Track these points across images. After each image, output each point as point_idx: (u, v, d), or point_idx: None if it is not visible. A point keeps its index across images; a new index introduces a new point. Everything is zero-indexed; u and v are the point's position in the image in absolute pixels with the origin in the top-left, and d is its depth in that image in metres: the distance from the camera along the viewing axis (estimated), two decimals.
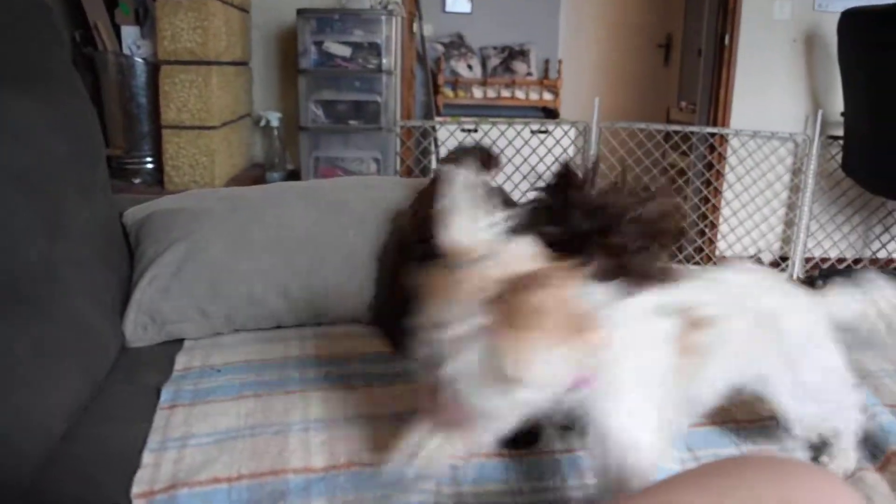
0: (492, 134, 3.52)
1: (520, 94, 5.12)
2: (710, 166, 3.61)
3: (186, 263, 1.29)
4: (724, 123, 3.57)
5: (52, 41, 1.38)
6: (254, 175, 3.14)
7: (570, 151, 3.78)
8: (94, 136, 1.40)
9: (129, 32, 2.82)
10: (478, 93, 5.08)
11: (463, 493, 0.88)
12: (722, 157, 3.57)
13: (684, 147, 3.60)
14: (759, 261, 3.62)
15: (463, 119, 3.92)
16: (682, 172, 3.70)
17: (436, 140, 3.89)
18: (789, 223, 3.63)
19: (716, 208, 3.63)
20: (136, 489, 0.86)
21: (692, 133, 3.59)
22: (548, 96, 5.14)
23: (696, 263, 3.62)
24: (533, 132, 3.74)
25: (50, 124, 1.20)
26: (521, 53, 5.27)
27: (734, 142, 3.55)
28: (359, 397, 1.07)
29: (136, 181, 2.81)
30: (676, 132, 3.57)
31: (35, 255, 1.04)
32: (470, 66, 5.17)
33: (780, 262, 3.61)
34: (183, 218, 1.39)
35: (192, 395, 1.07)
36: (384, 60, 3.13)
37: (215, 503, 0.85)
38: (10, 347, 0.91)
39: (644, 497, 0.56)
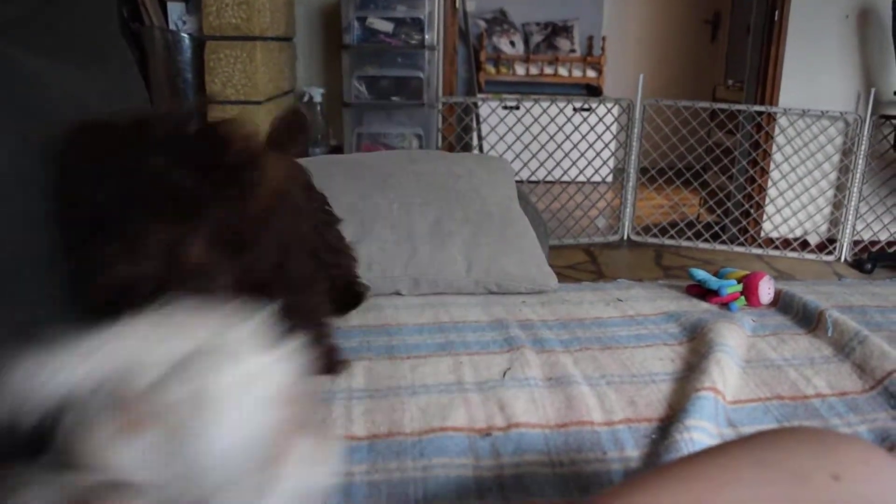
0: (534, 111, 3.49)
1: (563, 71, 5.07)
2: (756, 146, 3.54)
3: None
4: (773, 102, 3.50)
5: (103, 14, 1.40)
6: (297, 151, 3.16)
7: (614, 129, 3.74)
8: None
9: (175, 8, 2.86)
10: (520, 69, 5.04)
11: (503, 464, 0.89)
12: (769, 137, 3.50)
13: (730, 126, 3.54)
14: (805, 243, 3.56)
15: (505, 96, 3.90)
16: (727, 151, 3.63)
17: (478, 116, 3.88)
18: (838, 205, 3.55)
19: (762, 189, 3.56)
20: None
21: (739, 111, 3.52)
22: (591, 73, 5.09)
23: (741, 245, 3.57)
24: (576, 109, 3.71)
25: (102, 96, 1.22)
26: (565, 30, 5.22)
27: (782, 121, 3.48)
28: (401, 368, 1.08)
29: None
30: (723, 110, 3.51)
31: None
32: (512, 43, 5.13)
33: (826, 245, 3.54)
34: None
35: None
36: (427, 36, 3.12)
37: None
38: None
39: (687, 464, 0.56)
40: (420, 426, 0.94)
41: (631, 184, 3.55)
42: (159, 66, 2.85)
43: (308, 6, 3.38)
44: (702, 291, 1.44)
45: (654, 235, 3.65)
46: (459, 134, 3.47)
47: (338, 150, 3.30)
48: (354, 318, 1.27)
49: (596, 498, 0.56)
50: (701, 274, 1.44)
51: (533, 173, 3.52)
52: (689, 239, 3.62)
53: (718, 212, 3.69)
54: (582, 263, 3.34)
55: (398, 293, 1.38)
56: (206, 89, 2.78)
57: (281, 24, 3.05)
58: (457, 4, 3.64)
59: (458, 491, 0.83)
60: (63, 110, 1.08)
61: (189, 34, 2.81)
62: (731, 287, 1.40)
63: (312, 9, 3.39)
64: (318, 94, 3.30)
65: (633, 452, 0.92)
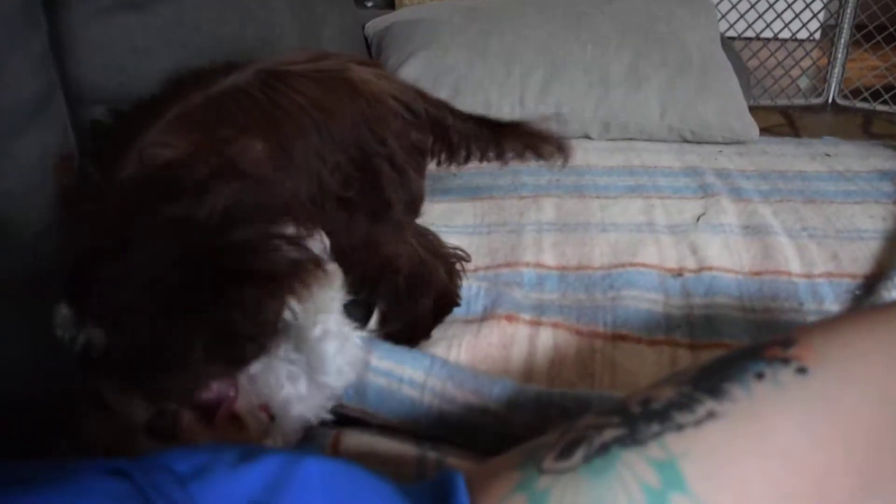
0: None
1: None
2: None
3: (426, 72, 1.33)
4: None
5: None
6: None
7: None
8: None
9: None
10: None
11: (692, 304, 0.88)
12: None
13: None
14: None
15: None
16: None
17: None
18: None
19: None
20: None
21: None
22: None
23: None
24: None
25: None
26: None
27: None
28: (590, 207, 1.08)
29: (369, 4, 2.88)
30: None
31: None
32: None
33: None
34: (422, 28, 1.42)
35: (428, 193, 1.13)
36: None
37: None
38: None
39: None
40: (610, 261, 0.94)
41: (843, 41, 3.20)
42: None
43: None
44: None
45: (865, 100, 3.31)
46: None
47: None
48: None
49: (801, 328, 0.54)
50: None
51: (731, 26, 3.24)
52: None
53: None
54: (778, 126, 3.11)
55: (587, 137, 1.35)
56: None
57: None
58: None
59: (647, 323, 0.83)
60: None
61: None
62: None
63: None
64: None
65: (833, 306, 0.89)
